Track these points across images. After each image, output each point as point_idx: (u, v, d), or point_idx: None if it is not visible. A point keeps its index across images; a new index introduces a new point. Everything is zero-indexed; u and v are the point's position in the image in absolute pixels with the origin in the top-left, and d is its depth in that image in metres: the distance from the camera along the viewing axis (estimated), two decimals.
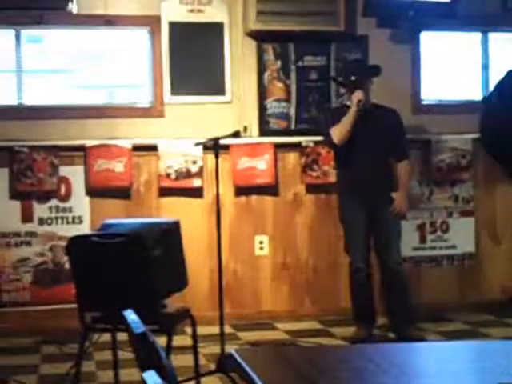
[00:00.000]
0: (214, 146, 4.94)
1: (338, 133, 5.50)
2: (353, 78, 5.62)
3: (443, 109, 6.66)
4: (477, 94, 6.80)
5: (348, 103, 5.64)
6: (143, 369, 1.95)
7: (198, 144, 5.43)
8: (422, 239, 6.57)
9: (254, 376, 2.34)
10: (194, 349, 4.44)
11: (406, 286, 5.60)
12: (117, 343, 4.55)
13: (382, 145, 5.59)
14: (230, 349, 5.11)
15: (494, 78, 6.73)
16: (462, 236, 6.62)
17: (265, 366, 2.61)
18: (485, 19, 6.61)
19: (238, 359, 2.50)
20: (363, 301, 5.65)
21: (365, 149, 5.53)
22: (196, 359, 4.44)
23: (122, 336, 4.65)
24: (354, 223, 5.60)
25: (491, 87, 6.74)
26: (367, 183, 5.54)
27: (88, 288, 4.23)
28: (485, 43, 6.80)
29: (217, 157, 4.91)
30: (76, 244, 4.24)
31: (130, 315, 2.02)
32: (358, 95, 5.48)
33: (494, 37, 6.84)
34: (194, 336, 4.43)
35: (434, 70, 6.72)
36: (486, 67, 6.79)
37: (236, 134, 5.21)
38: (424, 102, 6.64)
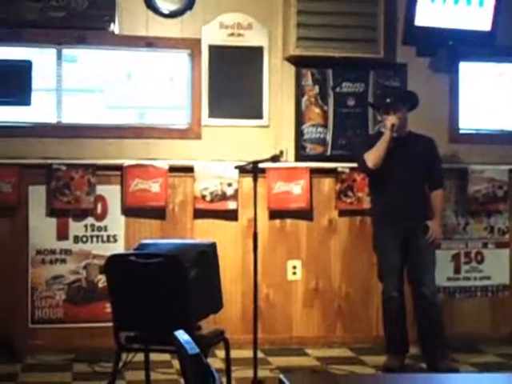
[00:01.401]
0: (254, 170, 4.95)
1: (372, 157, 5.49)
2: (388, 100, 5.62)
3: (480, 138, 6.62)
4: None
5: (383, 129, 5.63)
6: None
7: (237, 167, 5.43)
8: (457, 269, 6.52)
9: None
10: (228, 372, 4.41)
11: (440, 316, 5.53)
12: (150, 363, 4.54)
13: (417, 172, 5.56)
14: (261, 374, 5.12)
15: None
16: (496, 267, 6.55)
17: None
18: None
19: None
20: (396, 330, 5.59)
21: (399, 176, 5.50)
22: (229, 383, 4.41)
23: (154, 356, 4.67)
24: (387, 251, 5.56)
25: None
26: (401, 210, 5.50)
27: (124, 307, 4.23)
28: None
29: (255, 180, 4.92)
30: (114, 263, 4.25)
31: (183, 336, 2.00)
32: (391, 119, 5.48)
33: None
34: (228, 359, 4.40)
35: (472, 99, 6.69)
36: None
37: (275, 158, 5.20)
38: (461, 131, 6.60)
